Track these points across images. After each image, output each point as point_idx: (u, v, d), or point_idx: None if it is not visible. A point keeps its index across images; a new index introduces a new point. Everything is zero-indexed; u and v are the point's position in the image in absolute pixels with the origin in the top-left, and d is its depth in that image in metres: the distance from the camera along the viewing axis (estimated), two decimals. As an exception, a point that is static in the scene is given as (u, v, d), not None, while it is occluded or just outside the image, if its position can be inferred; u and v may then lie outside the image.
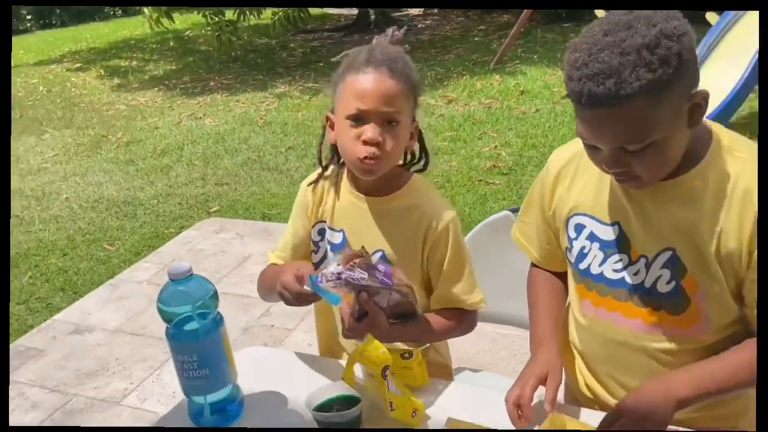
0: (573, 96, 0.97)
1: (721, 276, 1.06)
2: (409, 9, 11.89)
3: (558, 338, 1.23)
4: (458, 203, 4.06)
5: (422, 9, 11.74)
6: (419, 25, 10.40)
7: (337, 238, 1.36)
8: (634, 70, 0.91)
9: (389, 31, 1.32)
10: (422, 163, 1.39)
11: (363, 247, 1.19)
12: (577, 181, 1.18)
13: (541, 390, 1.14)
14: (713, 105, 4.36)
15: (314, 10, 11.49)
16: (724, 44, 4.75)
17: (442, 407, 1.23)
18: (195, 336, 1.16)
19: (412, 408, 1.19)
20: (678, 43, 0.93)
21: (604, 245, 1.14)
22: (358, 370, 1.22)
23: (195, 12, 9.70)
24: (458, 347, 1.59)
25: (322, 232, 1.40)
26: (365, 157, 1.23)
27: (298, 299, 1.19)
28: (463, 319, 1.34)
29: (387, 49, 1.27)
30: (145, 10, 7.99)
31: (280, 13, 8.57)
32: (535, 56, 7.36)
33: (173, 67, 9.32)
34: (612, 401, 1.20)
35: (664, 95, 0.94)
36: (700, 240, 1.05)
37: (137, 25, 12.33)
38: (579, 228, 1.17)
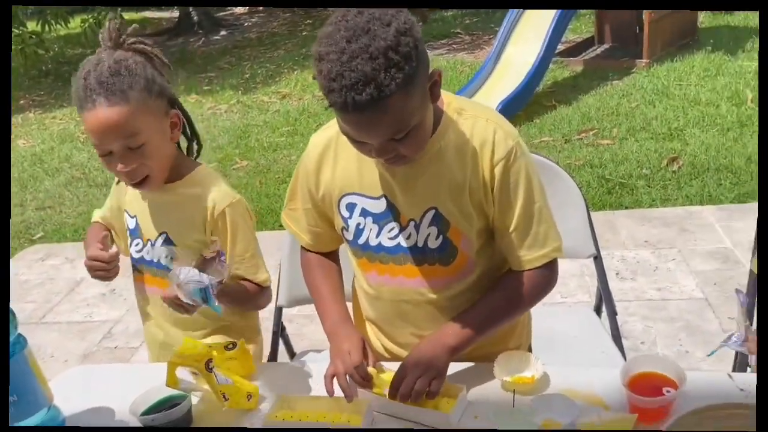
0: (337, 106, 1.01)
1: (477, 220, 1.19)
2: (234, 8, 11.63)
3: (350, 315, 1.31)
4: (300, 196, 4.07)
5: (247, 8, 11.54)
6: (246, 24, 10.23)
7: (132, 223, 1.45)
8: (387, 72, 0.97)
9: (119, 32, 1.30)
10: (195, 148, 1.45)
11: (218, 249, 1.22)
12: (339, 162, 1.22)
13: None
14: (521, 77, 4.77)
15: (130, 15, 10.87)
16: (523, 22, 5.19)
17: (280, 387, 1.26)
18: (-5, 363, 1.08)
19: (245, 393, 1.20)
20: (411, 36, 1.02)
21: (376, 218, 1.22)
22: (182, 373, 1.20)
23: (-9, 25, 8.72)
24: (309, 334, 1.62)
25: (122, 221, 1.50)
26: (131, 183, 1.32)
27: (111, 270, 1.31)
28: (260, 292, 1.44)
29: (102, 70, 1.24)
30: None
31: (91, 20, 7.98)
32: (362, 46, 7.54)
33: (-27, 88, 8.35)
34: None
35: (414, 85, 1.02)
36: (455, 193, 1.17)
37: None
38: (351, 207, 1.23)
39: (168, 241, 1.39)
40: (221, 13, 11.02)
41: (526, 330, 1.41)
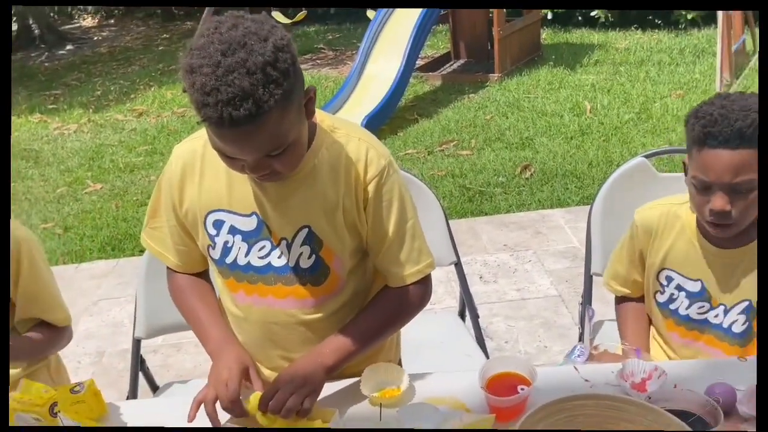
0: (212, 121, 0.97)
1: (350, 239, 1.19)
2: (81, 21, 10.90)
3: (233, 334, 1.25)
4: (162, 218, 3.87)
5: (97, 20, 10.86)
6: (95, 38, 9.61)
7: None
8: (265, 88, 0.95)
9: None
10: None
11: None
12: (206, 177, 1.18)
13: None
14: (383, 92, 4.88)
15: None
16: (383, 38, 5.34)
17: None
18: None
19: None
20: (289, 52, 1.00)
21: (246, 236, 1.18)
22: (20, 420, 1.08)
23: None
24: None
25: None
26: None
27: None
28: (55, 334, 1.40)
29: None
30: None
31: None
32: (224, 61, 7.36)
33: None
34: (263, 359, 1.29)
35: (291, 102, 1.02)
36: (328, 211, 1.16)
37: None
38: (218, 224, 1.18)
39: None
40: (67, 27, 10.27)
41: (395, 343, 1.42)
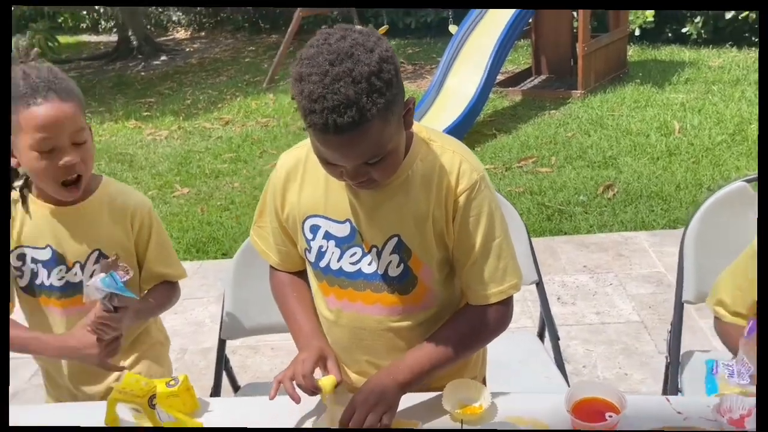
0: (317, 127, 1.01)
1: (439, 251, 1.20)
2: (175, 33, 11.49)
3: (321, 330, 1.29)
4: (244, 224, 4.01)
5: (189, 32, 11.42)
6: (187, 49, 10.10)
7: (45, 255, 1.40)
8: (369, 97, 0.99)
9: (27, 51, 1.37)
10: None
11: (116, 255, 1.32)
12: (306, 183, 1.23)
13: None
14: (463, 106, 4.88)
15: (65, 39, 10.57)
16: (464, 52, 5.34)
17: (225, 422, 1.22)
18: None
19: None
20: (393, 64, 1.04)
21: (339, 242, 1.21)
22: (122, 412, 1.15)
23: None
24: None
25: (22, 256, 1.41)
26: (67, 183, 1.32)
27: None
28: (171, 291, 1.53)
29: (42, 72, 1.30)
30: None
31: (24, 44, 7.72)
32: (306, 73, 7.56)
33: None
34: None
35: (392, 112, 1.05)
36: (418, 222, 1.18)
37: None
38: (314, 229, 1.23)
39: (102, 256, 1.39)
40: (161, 39, 10.85)
41: (481, 359, 1.41)
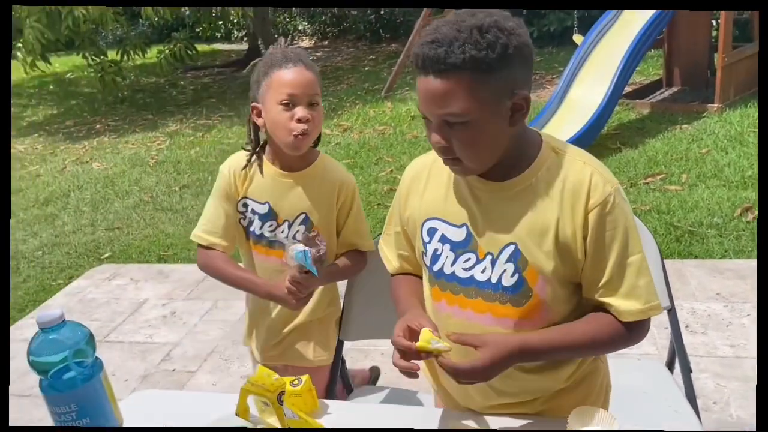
0: (414, 60, 1.07)
1: (560, 265, 1.14)
2: (300, 42, 12.00)
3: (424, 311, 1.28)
4: (359, 228, 4.09)
5: (313, 41, 11.89)
6: (311, 57, 10.48)
7: (263, 208, 1.67)
8: (463, 44, 1.02)
9: (280, 41, 1.68)
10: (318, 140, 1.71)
11: (317, 232, 1.57)
12: (429, 188, 1.25)
13: None
14: (586, 117, 4.70)
15: (202, 47, 11.34)
16: (590, 62, 5.14)
17: (341, 425, 1.24)
18: (72, 385, 1.11)
19: (310, 431, 1.19)
20: (507, 37, 1.04)
21: (454, 246, 1.20)
22: (251, 403, 1.20)
23: (75, 53, 9.30)
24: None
25: (246, 205, 1.69)
26: (299, 134, 1.55)
27: None
28: (360, 259, 1.73)
29: (293, 49, 1.61)
30: (18, 53, 7.56)
31: (167, 51, 8.38)
32: (424, 82, 7.62)
33: (54, 112, 8.86)
34: (472, 395, 1.27)
35: (485, 78, 1.03)
36: (539, 232, 1.13)
37: (12, 71, 11.64)
38: (432, 231, 1.23)
39: (306, 221, 1.64)
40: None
41: (605, 388, 1.34)
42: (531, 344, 1.14)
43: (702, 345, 2.61)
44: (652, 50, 6.35)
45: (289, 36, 12.21)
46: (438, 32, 1.05)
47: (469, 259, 1.19)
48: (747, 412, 2.26)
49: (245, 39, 11.64)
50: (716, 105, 5.22)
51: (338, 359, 1.82)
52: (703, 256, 3.27)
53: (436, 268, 1.23)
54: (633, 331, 1.15)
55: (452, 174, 1.21)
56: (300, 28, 12.26)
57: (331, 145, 5.88)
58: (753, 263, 3.16)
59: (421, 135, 5.76)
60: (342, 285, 1.79)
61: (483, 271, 1.18)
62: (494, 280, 1.17)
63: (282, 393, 1.13)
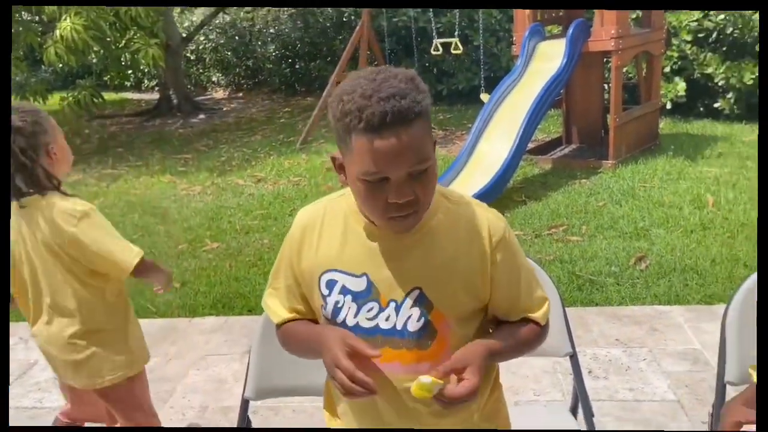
0: (374, 119, 1.02)
1: (464, 302, 1.19)
2: (213, 93, 11.92)
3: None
4: (271, 281, 4.01)
5: (227, 92, 11.83)
6: (224, 108, 10.44)
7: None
8: (416, 93, 1.06)
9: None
10: None
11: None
12: (323, 239, 1.22)
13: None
14: (493, 171, 4.91)
15: (110, 95, 11.01)
16: (496, 119, 5.41)
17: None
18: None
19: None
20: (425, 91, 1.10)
21: (356, 296, 1.19)
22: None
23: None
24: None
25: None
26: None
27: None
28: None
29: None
30: None
31: (70, 98, 8.05)
32: (339, 135, 7.73)
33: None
34: None
35: (428, 122, 1.10)
36: (443, 274, 1.17)
37: None
38: (331, 284, 1.20)
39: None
40: (201, 98, 11.25)
41: (507, 425, 1.37)
42: (493, 348, 1.19)
43: (604, 389, 2.71)
44: (553, 110, 6.78)
45: (202, 86, 12.12)
46: (387, 86, 1.03)
47: (372, 308, 1.19)
48: (647, 454, 2.35)
49: (156, 88, 11.42)
50: (610, 161, 5.60)
51: (243, 419, 1.75)
52: (603, 303, 3.44)
53: (338, 320, 1.21)
54: (545, 327, 1.28)
55: (347, 224, 1.20)
56: (214, 79, 12.19)
57: (245, 196, 5.80)
58: (647, 309, 3.35)
59: (336, 186, 5.79)
60: (246, 337, 1.73)
61: (387, 319, 1.18)
62: (399, 326, 1.18)
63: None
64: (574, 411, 1.88)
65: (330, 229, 1.21)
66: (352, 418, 1.29)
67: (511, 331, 1.24)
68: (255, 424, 2.69)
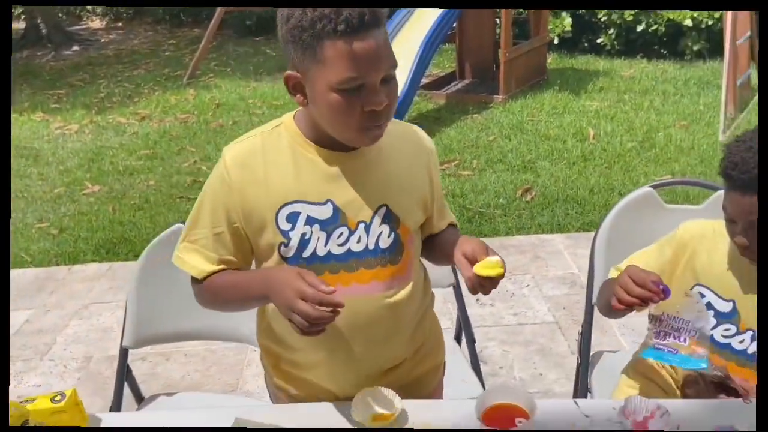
0: (354, 20, 1.00)
1: (420, 214, 1.24)
2: (89, 23, 10.94)
3: None
4: (159, 223, 3.84)
5: (104, 22, 10.89)
6: (102, 40, 9.63)
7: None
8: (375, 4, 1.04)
9: None
10: None
11: None
12: (270, 172, 1.14)
13: None
14: (387, 107, 4.86)
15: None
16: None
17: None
18: None
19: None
20: None
21: (323, 224, 1.15)
22: None
23: None
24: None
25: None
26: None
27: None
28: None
29: None
30: None
31: None
32: (228, 69, 7.37)
33: None
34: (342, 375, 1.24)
35: None
36: (404, 189, 1.21)
37: None
38: (293, 217, 1.14)
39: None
40: (74, 27, 10.29)
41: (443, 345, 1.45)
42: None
43: (490, 315, 2.85)
44: (447, 44, 6.78)
45: (76, 15, 11.07)
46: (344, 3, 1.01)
47: (342, 233, 1.16)
48: (528, 373, 2.52)
49: (23, 16, 10.31)
50: (501, 96, 5.73)
51: (122, 368, 1.68)
52: (491, 234, 3.58)
53: (306, 254, 1.15)
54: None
55: (295, 153, 1.15)
56: (89, 7, 11.15)
57: (127, 135, 5.45)
58: (532, 238, 3.52)
59: (227, 124, 5.56)
60: (124, 282, 1.64)
61: (359, 241, 1.17)
62: (372, 246, 1.17)
63: (26, 420, 1.00)
64: (458, 338, 1.96)
65: (276, 162, 1.15)
66: (324, 369, 1.24)
67: (456, 235, 1.27)
68: (144, 370, 2.62)
